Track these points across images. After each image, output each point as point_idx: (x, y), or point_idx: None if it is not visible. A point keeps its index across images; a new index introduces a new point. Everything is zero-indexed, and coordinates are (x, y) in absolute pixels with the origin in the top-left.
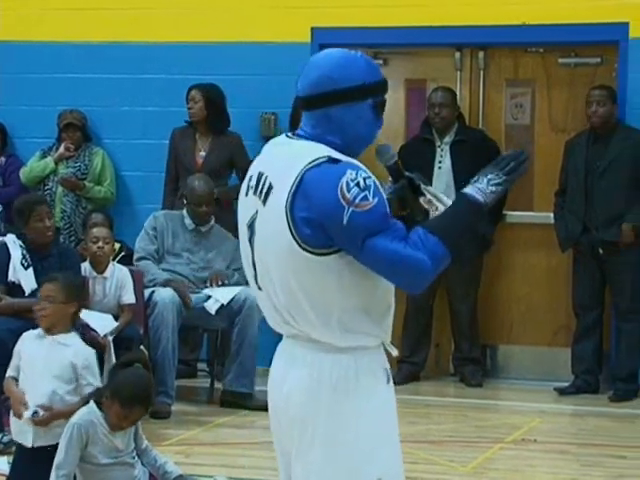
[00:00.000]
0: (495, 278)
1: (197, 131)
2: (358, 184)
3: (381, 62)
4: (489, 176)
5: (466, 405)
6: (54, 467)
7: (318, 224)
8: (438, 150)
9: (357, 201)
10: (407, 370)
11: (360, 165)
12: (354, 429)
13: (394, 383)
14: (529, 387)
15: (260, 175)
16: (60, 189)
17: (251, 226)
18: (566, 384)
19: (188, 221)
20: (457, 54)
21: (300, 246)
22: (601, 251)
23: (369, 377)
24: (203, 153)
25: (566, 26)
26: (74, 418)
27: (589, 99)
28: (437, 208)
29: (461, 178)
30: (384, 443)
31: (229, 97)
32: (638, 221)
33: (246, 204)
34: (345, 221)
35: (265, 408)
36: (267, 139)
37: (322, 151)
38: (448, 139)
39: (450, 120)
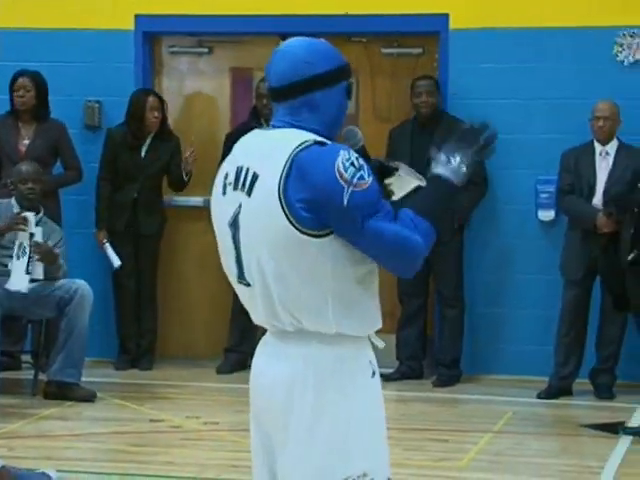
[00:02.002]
0: None
1: (20, 119)
2: (353, 164)
3: (206, 51)
4: (458, 157)
5: None
6: None
7: (315, 205)
8: None
9: (355, 180)
10: (235, 359)
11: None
12: (337, 423)
13: (227, 372)
14: None
15: (239, 169)
16: None
17: (234, 223)
18: (391, 370)
19: (18, 210)
20: (281, 43)
21: (296, 228)
22: None
23: (353, 371)
24: (27, 141)
25: (388, 16)
26: None
27: (417, 89)
28: (405, 189)
29: None
30: (369, 438)
31: (52, 85)
32: (462, 210)
33: (225, 202)
34: (345, 202)
35: (90, 399)
36: (91, 127)
37: (306, 136)
38: None
39: None
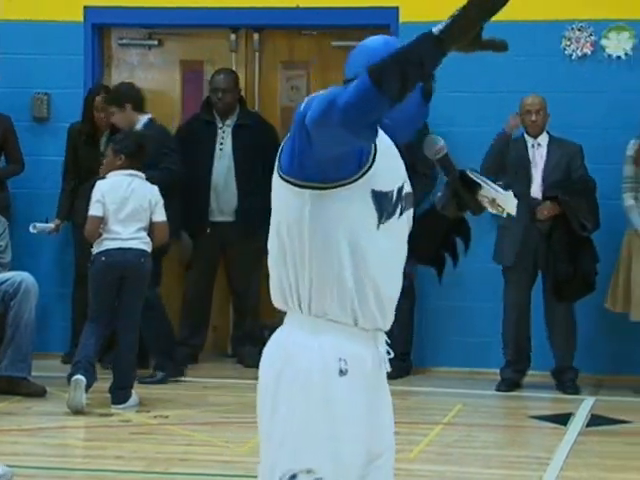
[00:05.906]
0: None
1: None
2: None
3: (156, 43)
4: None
5: (244, 386)
6: None
7: (290, 142)
8: (219, 132)
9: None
10: (185, 352)
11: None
12: (291, 415)
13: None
14: None
15: None
16: None
17: None
18: None
19: None
20: (232, 36)
21: (277, 172)
22: None
23: (313, 363)
24: None
25: (339, 9)
26: None
27: None
28: (496, 203)
29: (241, 160)
30: (324, 436)
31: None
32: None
33: None
34: (302, 109)
35: (40, 394)
36: (39, 120)
37: None
38: (230, 122)
39: (233, 104)
